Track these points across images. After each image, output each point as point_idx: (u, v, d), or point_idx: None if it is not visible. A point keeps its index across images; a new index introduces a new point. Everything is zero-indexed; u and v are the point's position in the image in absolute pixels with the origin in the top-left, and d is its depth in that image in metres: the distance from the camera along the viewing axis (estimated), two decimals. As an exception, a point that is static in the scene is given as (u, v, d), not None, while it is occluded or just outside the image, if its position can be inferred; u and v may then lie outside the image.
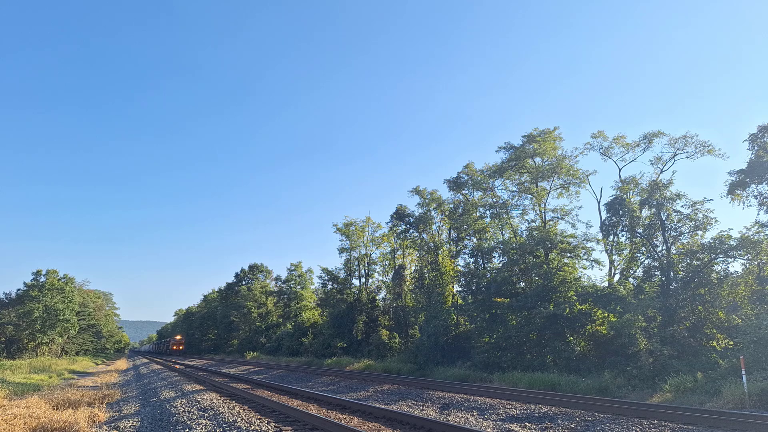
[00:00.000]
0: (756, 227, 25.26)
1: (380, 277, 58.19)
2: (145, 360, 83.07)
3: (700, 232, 27.40)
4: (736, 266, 26.13)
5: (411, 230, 46.57)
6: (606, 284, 32.12)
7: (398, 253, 54.21)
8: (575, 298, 29.26)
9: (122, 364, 70.38)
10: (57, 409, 18.78)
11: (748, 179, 26.04)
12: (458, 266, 41.85)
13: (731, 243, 24.73)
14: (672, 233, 28.23)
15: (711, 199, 27.23)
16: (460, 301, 40.21)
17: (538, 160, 38.10)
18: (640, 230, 29.72)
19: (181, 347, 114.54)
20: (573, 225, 36.14)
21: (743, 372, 16.76)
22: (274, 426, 13.39)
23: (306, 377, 32.86)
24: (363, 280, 57.72)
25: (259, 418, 14.57)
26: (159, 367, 52.48)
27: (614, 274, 33.11)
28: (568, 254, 32.70)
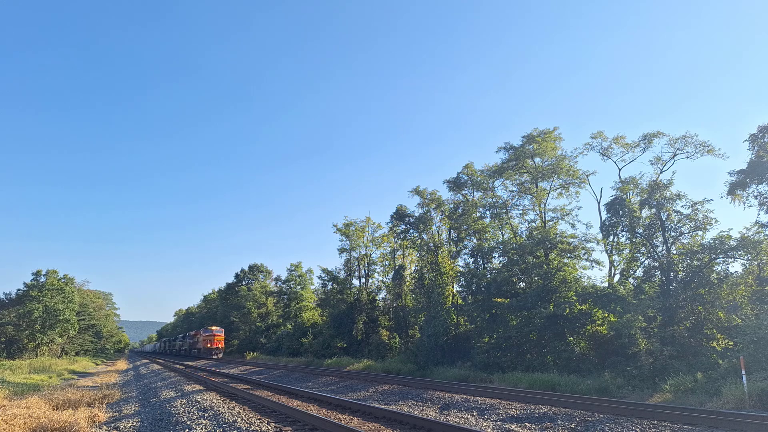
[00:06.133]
0: (756, 227, 25.24)
1: (380, 278, 58.28)
2: (145, 360, 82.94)
3: (700, 233, 27.41)
4: (736, 266, 26.14)
5: (411, 230, 46.59)
6: (606, 284, 32.09)
7: (398, 253, 54.22)
8: (575, 298, 29.24)
9: (122, 364, 70.31)
10: (57, 409, 18.78)
11: (748, 179, 26.03)
12: (458, 266, 41.88)
13: (731, 243, 24.72)
14: (672, 233, 28.22)
15: (711, 200, 27.26)
16: (460, 301, 40.21)
17: (537, 160, 38.10)
18: (640, 230, 29.71)
19: (220, 345, 74.04)
20: (573, 225, 36.21)
21: (743, 372, 16.77)
22: (274, 426, 13.38)
23: (306, 377, 32.84)
24: (363, 280, 57.80)
25: (259, 419, 14.57)
26: (159, 367, 52.45)
27: (614, 274, 33.11)
28: (568, 254, 32.68)
